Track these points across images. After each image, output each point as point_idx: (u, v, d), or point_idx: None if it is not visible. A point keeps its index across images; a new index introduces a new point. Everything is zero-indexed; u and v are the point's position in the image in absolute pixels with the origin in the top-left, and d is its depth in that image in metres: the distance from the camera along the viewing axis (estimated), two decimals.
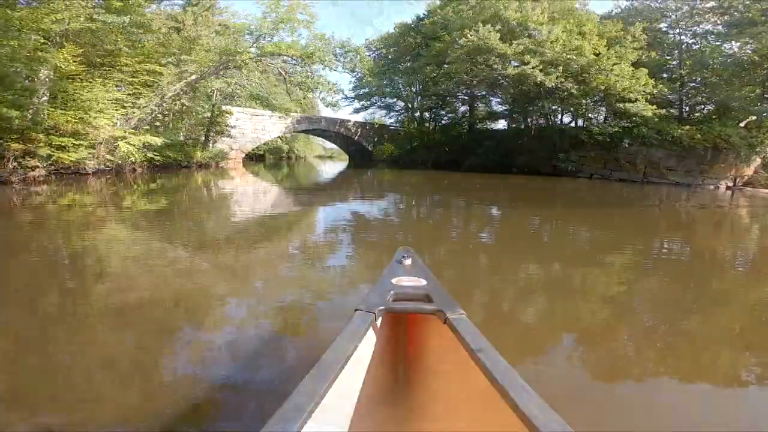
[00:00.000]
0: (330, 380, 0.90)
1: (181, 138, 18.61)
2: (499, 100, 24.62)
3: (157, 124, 14.60)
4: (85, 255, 3.84)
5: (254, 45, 13.72)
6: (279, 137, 32.50)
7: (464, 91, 24.08)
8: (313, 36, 13.96)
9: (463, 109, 28.39)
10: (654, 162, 13.99)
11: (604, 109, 14.77)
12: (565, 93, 13.70)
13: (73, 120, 11.06)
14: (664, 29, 18.13)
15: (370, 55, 24.66)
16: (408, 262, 1.67)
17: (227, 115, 19.56)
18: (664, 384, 1.89)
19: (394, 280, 1.47)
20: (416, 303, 1.32)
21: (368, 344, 1.22)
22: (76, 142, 11.06)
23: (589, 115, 17.27)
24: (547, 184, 13.43)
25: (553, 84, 12.99)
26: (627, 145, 13.85)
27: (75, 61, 11.34)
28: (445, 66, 23.95)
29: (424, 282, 1.46)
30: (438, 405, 1.23)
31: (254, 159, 31.42)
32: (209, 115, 18.56)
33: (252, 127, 22.88)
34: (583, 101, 13.76)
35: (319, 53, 12.89)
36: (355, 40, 14.73)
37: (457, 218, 7.05)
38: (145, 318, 2.40)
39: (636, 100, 13.38)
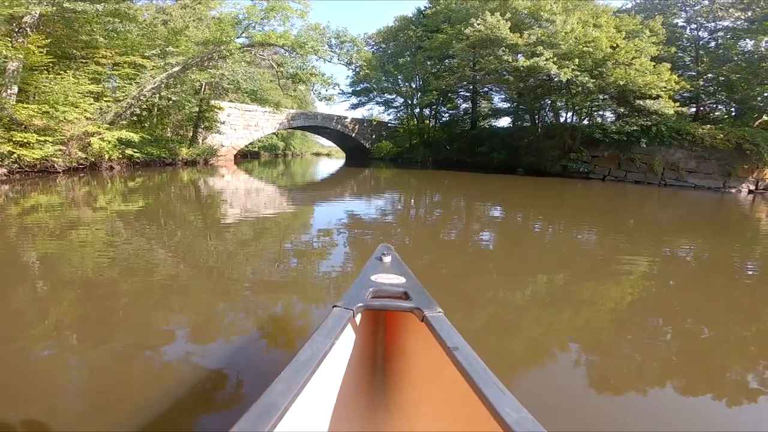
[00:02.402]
0: (305, 378, 0.87)
1: (169, 134, 17.66)
2: (502, 96, 23.69)
3: (135, 119, 13.58)
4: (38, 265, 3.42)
5: (242, 34, 12.68)
6: (274, 134, 31.58)
7: (467, 87, 23.11)
8: (306, 26, 12.97)
9: (465, 106, 27.42)
10: (673, 163, 13.01)
11: (616, 105, 13.71)
12: (579, 88, 12.67)
13: (37, 114, 10.01)
14: (681, 24, 17.27)
15: (368, 50, 23.60)
16: (387, 259, 1.65)
17: (216, 110, 18.51)
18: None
19: (373, 277, 1.46)
20: (394, 300, 1.31)
21: (346, 341, 1.22)
22: (41, 138, 10.03)
23: (601, 112, 16.37)
24: (560, 186, 12.49)
25: (568, 77, 11.97)
26: (644, 145, 12.86)
27: (41, 52, 10.33)
28: (446, 62, 23.06)
29: (403, 279, 1.46)
30: (414, 402, 1.23)
31: (249, 156, 30.60)
32: (197, 110, 17.49)
33: (244, 122, 21.94)
34: (600, 97, 12.73)
35: (313, 43, 11.84)
36: (351, 31, 13.66)
37: (459, 224, 6.35)
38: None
39: (657, 96, 12.39)
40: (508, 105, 24.18)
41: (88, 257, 3.58)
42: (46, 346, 2.05)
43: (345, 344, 1.22)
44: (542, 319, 2.62)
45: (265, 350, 2.10)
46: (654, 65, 12.26)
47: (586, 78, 12.16)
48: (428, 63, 24.00)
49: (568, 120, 16.35)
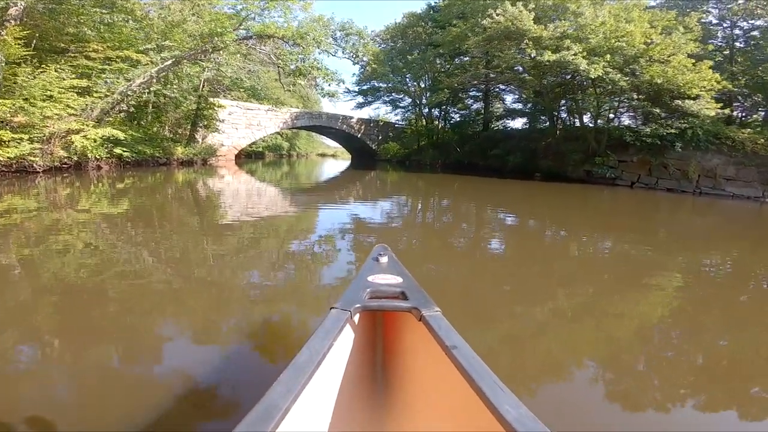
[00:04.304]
0: (305, 379, 0.88)
1: (167, 133, 16.86)
2: (516, 96, 22.52)
3: (126, 116, 12.74)
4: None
5: (240, 27, 11.74)
6: (278, 134, 30.78)
7: (478, 87, 22.02)
8: (309, 19, 12.02)
9: (476, 106, 26.30)
10: (709, 170, 11.77)
11: (650, 106, 12.47)
12: (609, 86, 11.51)
13: (10, 109, 9.16)
14: (715, 22, 16.18)
15: (375, 47, 22.53)
16: (384, 259, 1.64)
17: (216, 107, 17.63)
18: None
19: (370, 278, 1.45)
20: (392, 300, 1.31)
21: (344, 342, 1.22)
22: (16, 136, 9.19)
23: (621, 113, 15.24)
24: (583, 192, 11.45)
25: (599, 74, 10.84)
26: (679, 150, 11.65)
27: (18, 44, 9.52)
28: (457, 60, 21.97)
29: (400, 279, 1.46)
30: (414, 402, 1.23)
31: (253, 156, 29.99)
32: (195, 107, 16.62)
33: (246, 122, 21.09)
34: (634, 96, 11.54)
35: (315, 34, 10.85)
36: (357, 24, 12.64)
37: (469, 232, 5.97)
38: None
39: (697, 96, 11.22)
40: (521, 106, 23.03)
41: (63, 265, 3.31)
42: (31, 356, 1.99)
43: (343, 345, 1.21)
44: (561, 338, 2.46)
45: (264, 354, 2.10)
46: (694, 63, 11.09)
47: (618, 75, 11.01)
48: (438, 61, 22.93)
49: (589, 122, 15.23)
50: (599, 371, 2.09)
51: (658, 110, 11.64)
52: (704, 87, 11.14)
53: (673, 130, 11.44)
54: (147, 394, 1.65)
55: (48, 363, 1.93)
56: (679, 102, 11.24)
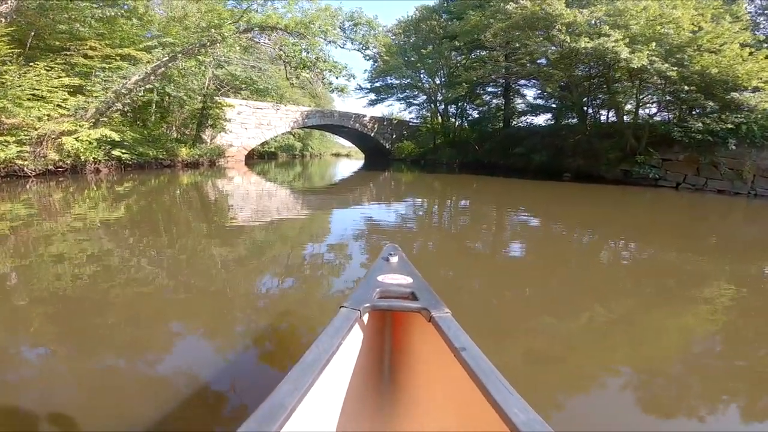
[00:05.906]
0: (312, 378, 0.87)
1: (174, 134, 16.30)
2: (538, 91, 21.13)
3: (130, 116, 12.12)
4: None
5: (242, 18, 10.90)
6: (290, 133, 30.13)
7: (498, 81, 20.77)
8: (316, 9, 11.11)
9: (495, 101, 24.99)
10: (765, 169, 10.36)
11: (703, 99, 11.09)
12: (655, 76, 10.18)
13: None
14: (761, 11, 14.76)
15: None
16: (394, 259, 1.63)
17: (224, 107, 16.93)
18: None
19: (379, 278, 1.44)
20: (401, 300, 1.30)
21: (353, 342, 1.21)
22: (2, 138, 8.58)
23: (660, 107, 13.88)
24: (622, 194, 10.29)
25: (643, 63, 9.55)
26: (733, 147, 10.28)
27: (3, 41, 8.93)
28: (473, 55, 20.76)
29: (410, 280, 1.44)
30: (422, 403, 1.23)
31: (266, 157, 29.45)
32: (200, 106, 15.95)
33: (256, 121, 20.42)
34: (685, 88, 10.17)
35: (321, 23, 9.91)
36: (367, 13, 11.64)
37: (488, 237, 5.51)
38: None
39: (756, 89, 9.82)
40: (544, 101, 21.62)
41: (50, 274, 3.17)
42: (35, 363, 1.97)
43: (352, 344, 1.20)
44: (591, 354, 2.24)
45: (273, 354, 2.09)
46: (750, 52, 9.74)
47: (665, 65, 9.70)
48: (454, 55, 21.75)
49: (624, 117, 13.90)
50: (633, 394, 1.89)
51: (711, 103, 10.27)
52: (762, 78, 9.76)
53: (729, 125, 10.06)
54: (153, 395, 1.66)
55: (52, 374, 1.87)
56: (736, 94, 9.87)
